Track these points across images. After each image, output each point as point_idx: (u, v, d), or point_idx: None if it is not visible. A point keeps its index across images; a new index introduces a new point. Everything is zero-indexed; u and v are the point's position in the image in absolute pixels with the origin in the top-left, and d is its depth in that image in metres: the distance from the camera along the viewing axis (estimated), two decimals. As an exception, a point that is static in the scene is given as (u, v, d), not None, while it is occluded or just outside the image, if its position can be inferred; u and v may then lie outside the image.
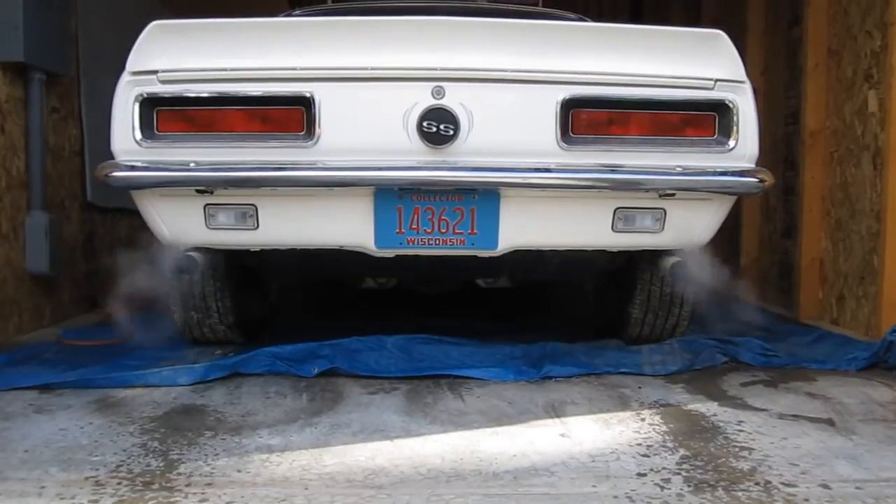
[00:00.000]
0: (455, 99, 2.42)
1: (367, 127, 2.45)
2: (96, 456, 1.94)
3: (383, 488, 1.75)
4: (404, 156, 2.43)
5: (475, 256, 2.63)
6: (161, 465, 1.88)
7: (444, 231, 2.52)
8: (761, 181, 2.53)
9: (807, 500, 1.70)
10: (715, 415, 2.31)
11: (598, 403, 2.42)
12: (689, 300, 3.02)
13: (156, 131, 2.46)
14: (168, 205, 2.53)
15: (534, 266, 2.97)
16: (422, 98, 2.42)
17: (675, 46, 2.54)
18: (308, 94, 2.42)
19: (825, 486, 1.77)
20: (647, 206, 2.55)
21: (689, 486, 1.77)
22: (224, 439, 2.07)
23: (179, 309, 3.02)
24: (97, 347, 3.12)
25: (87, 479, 1.79)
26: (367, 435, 2.12)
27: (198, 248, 2.64)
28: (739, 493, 1.72)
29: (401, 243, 2.54)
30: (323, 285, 4.39)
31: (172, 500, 1.68)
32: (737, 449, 2.01)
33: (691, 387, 2.63)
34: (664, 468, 1.87)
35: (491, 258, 2.63)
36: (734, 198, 2.66)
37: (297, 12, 3.68)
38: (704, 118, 2.52)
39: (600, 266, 3.09)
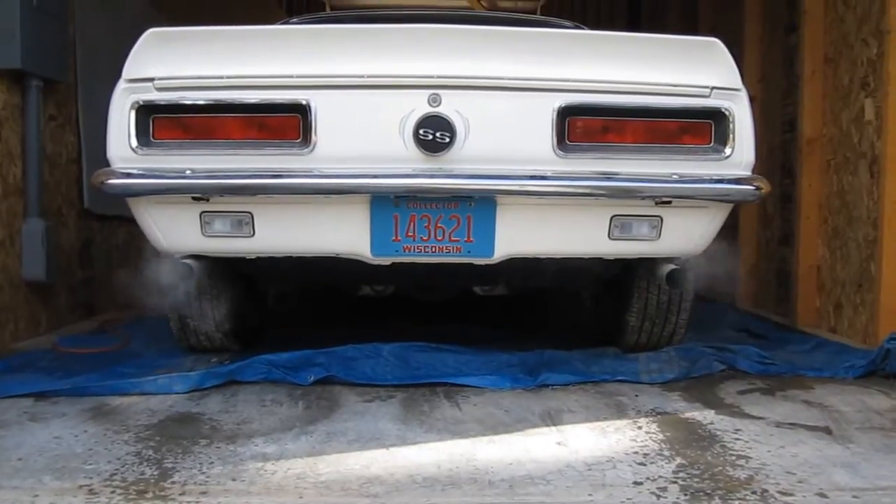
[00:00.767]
0: (451, 106, 2.42)
1: (363, 134, 2.45)
2: (90, 464, 1.93)
3: (378, 497, 1.74)
4: (400, 163, 2.43)
5: (471, 264, 2.63)
6: (155, 473, 1.88)
7: (440, 239, 2.52)
8: (758, 189, 2.53)
9: (803, 508, 1.70)
10: (712, 423, 2.30)
11: (595, 411, 2.41)
12: (686, 308, 3.02)
13: (152, 139, 2.46)
14: (164, 212, 2.53)
15: (530, 274, 2.96)
16: (418, 105, 2.42)
17: (670, 54, 2.54)
18: (304, 102, 2.42)
19: (822, 495, 1.76)
20: (644, 213, 2.55)
21: (686, 494, 1.76)
22: (219, 447, 2.07)
23: (175, 316, 3.01)
24: (93, 355, 3.12)
25: (80, 487, 1.79)
26: (362, 443, 2.11)
27: (194, 256, 2.64)
28: (736, 502, 1.72)
29: (397, 251, 2.53)
30: (319, 293, 4.38)
31: (166, 508, 1.68)
32: (733, 457, 2.01)
33: (688, 395, 2.62)
34: (660, 477, 1.87)
35: (487, 266, 2.63)
36: (731, 205, 2.66)
37: (295, 20, 3.70)
38: (700, 126, 2.52)
39: (597, 274, 3.09)
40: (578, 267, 2.85)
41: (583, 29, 3.36)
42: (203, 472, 1.88)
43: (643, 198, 2.49)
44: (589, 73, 2.48)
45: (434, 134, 2.39)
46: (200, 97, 2.44)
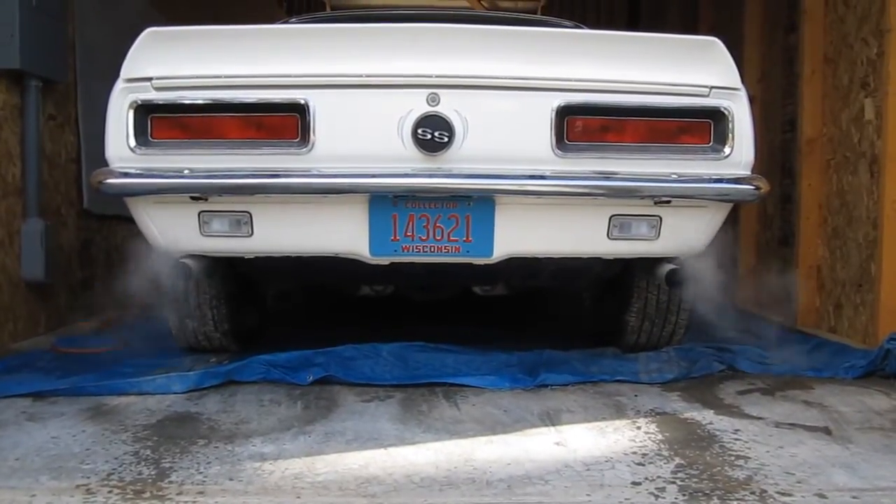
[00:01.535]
0: (450, 106, 2.41)
1: (361, 134, 2.44)
2: (88, 464, 1.93)
3: (376, 497, 1.74)
4: (399, 163, 2.42)
5: (470, 264, 2.62)
6: (153, 473, 1.87)
7: (438, 238, 2.51)
8: (757, 188, 2.53)
9: (802, 509, 1.69)
10: (711, 423, 2.30)
11: (594, 412, 2.41)
12: (685, 308, 3.01)
13: (150, 138, 2.46)
14: (162, 212, 2.53)
15: (529, 273, 2.96)
16: (417, 105, 2.41)
17: (670, 54, 2.54)
18: (303, 101, 2.42)
19: (821, 496, 1.76)
20: (643, 213, 2.55)
21: (684, 495, 1.76)
22: (217, 447, 2.06)
23: (174, 316, 3.01)
24: (91, 355, 3.11)
25: (77, 487, 1.78)
26: (360, 443, 2.11)
27: (192, 256, 2.63)
28: (734, 503, 1.71)
29: (395, 251, 2.53)
30: (318, 292, 4.38)
31: (163, 508, 1.67)
32: (732, 458, 2.00)
33: (688, 395, 2.62)
34: (659, 477, 1.86)
35: (486, 265, 2.62)
36: (730, 205, 2.65)
37: (294, 20, 3.69)
38: (700, 125, 2.52)
39: (596, 273, 3.08)
40: (577, 267, 2.84)
41: (582, 28, 3.36)
42: (201, 472, 1.88)
43: (642, 197, 2.49)
44: (588, 73, 2.48)
45: (433, 133, 2.39)
46: (199, 97, 2.44)
